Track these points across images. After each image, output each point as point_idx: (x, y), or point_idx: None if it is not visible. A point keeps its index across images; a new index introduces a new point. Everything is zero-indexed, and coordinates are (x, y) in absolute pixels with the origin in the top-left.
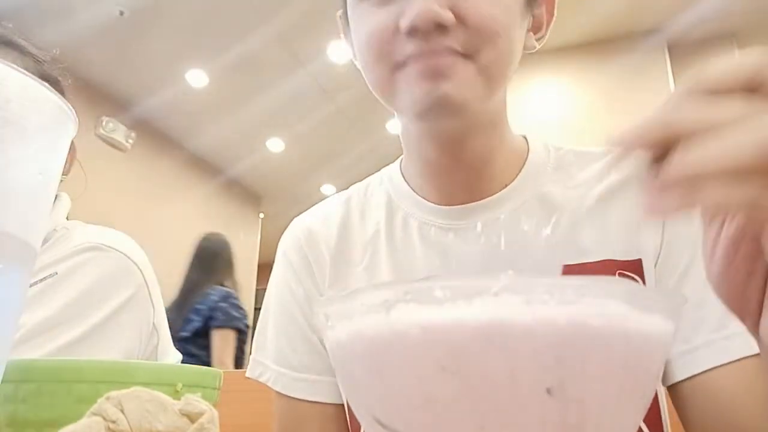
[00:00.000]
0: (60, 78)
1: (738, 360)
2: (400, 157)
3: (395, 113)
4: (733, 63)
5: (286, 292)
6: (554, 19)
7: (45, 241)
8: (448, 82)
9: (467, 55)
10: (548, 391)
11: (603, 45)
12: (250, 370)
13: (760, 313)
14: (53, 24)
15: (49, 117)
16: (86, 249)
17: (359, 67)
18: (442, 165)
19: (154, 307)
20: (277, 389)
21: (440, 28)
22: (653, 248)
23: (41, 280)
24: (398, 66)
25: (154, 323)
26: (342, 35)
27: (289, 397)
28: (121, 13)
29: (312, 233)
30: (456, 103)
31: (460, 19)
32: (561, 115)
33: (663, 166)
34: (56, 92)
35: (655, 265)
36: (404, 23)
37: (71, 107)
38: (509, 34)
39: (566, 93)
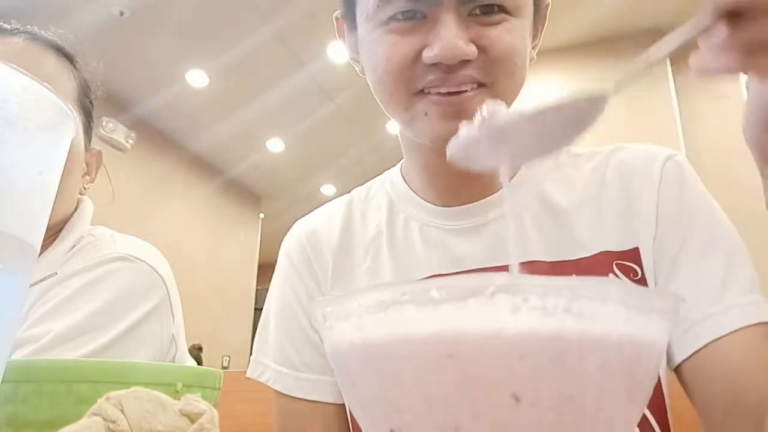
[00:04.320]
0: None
1: (738, 330)
2: (401, 161)
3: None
4: None
5: (288, 292)
6: (546, 23)
7: (72, 247)
8: (467, 118)
9: (484, 84)
10: (546, 396)
11: (603, 45)
12: (251, 370)
13: None
14: (53, 24)
15: (49, 117)
16: (114, 259)
17: (369, 83)
18: (443, 171)
19: (174, 319)
20: (278, 389)
21: (462, 61)
22: (650, 233)
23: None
24: (417, 93)
25: (173, 334)
26: (338, 36)
27: (290, 396)
28: (121, 13)
29: (314, 234)
30: None
31: (482, 50)
32: None
33: (739, 26)
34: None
35: (653, 252)
36: (428, 56)
37: (71, 107)
38: (524, 61)
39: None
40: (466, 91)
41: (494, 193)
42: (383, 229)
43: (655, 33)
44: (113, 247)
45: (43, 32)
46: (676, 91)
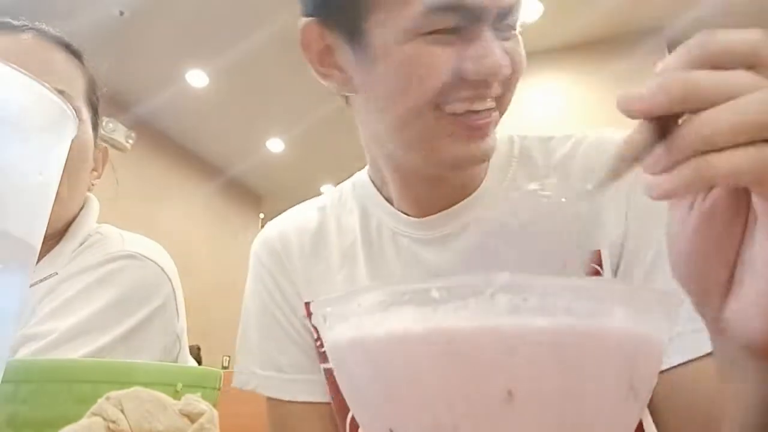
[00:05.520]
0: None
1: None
2: (366, 166)
3: (366, 140)
4: (734, 38)
5: (265, 296)
6: None
7: (79, 245)
8: (488, 141)
9: (495, 98)
10: (546, 394)
11: (603, 45)
12: (236, 380)
13: (727, 293)
14: (53, 24)
15: (49, 117)
16: (121, 257)
17: (381, 94)
18: (422, 189)
19: (178, 317)
20: (267, 394)
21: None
22: (615, 238)
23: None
24: (435, 108)
25: (177, 333)
26: (303, 45)
27: (280, 400)
28: (121, 13)
29: (285, 237)
30: (488, 157)
31: (512, 67)
32: (560, 115)
33: (671, 140)
34: (59, 91)
35: (620, 256)
36: (474, 71)
37: (71, 107)
38: None
39: (566, 93)
40: (489, 110)
41: (465, 197)
42: (358, 235)
43: (656, 33)
44: (122, 245)
45: (50, 29)
46: None
